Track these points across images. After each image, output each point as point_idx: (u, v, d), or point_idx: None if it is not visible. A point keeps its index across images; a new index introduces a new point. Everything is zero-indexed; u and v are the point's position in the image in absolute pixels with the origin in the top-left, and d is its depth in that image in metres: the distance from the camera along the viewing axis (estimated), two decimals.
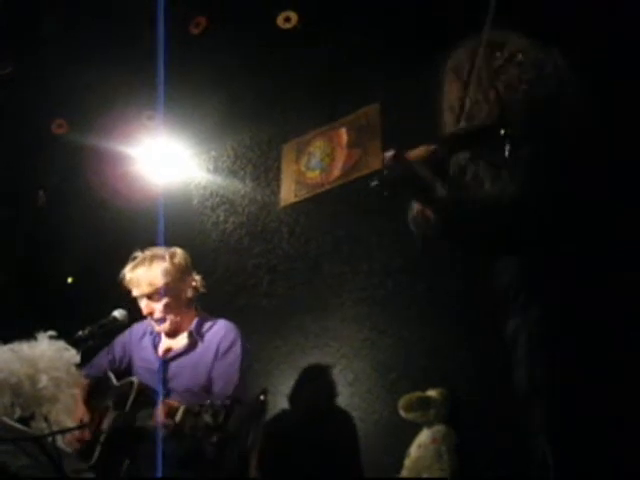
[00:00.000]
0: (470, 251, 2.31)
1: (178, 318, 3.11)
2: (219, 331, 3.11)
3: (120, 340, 3.27)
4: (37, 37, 4.37)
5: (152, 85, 3.75)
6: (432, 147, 2.01)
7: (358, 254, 3.69)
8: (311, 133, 4.10)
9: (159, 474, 2.57)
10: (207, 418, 2.38)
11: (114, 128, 4.46)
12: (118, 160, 4.46)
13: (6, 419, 2.31)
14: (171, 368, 3.09)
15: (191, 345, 3.09)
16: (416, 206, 2.14)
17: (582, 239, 1.93)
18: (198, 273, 3.20)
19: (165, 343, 3.19)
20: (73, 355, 2.70)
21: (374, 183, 2.05)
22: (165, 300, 3.07)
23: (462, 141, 2.03)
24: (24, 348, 2.62)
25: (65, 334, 2.81)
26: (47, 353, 2.62)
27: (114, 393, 2.93)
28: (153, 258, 3.11)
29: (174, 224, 3.77)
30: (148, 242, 3.27)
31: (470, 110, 2.07)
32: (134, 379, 2.94)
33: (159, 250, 3.16)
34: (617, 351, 1.88)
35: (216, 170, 4.49)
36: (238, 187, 4.35)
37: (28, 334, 2.69)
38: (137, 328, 3.24)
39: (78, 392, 2.71)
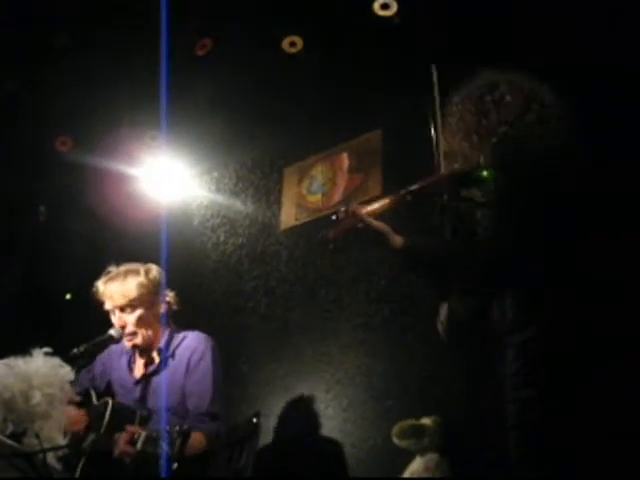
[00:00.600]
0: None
1: (150, 333, 3.08)
2: (189, 344, 3.08)
3: (100, 359, 3.25)
4: (43, 53, 4.39)
5: (156, 105, 3.77)
6: (388, 200, 2.09)
7: (356, 280, 3.70)
8: (313, 157, 4.12)
9: None
10: (164, 446, 2.36)
11: (117, 147, 4.48)
12: (120, 179, 4.48)
13: None
14: (146, 387, 3.07)
15: (162, 363, 3.06)
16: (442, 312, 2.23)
17: (558, 276, 1.95)
18: (197, 294, 3.21)
19: (139, 363, 3.16)
20: (68, 372, 2.68)
21: (322, 234, 2.17)
22: (138, 313, 3.05)
23: (454, 182, 2.08)
24: (19, 364, 2.60)
25: (61, 351, 2.80)
26: (42, 370, 2.60)
27: (93, 413, 2.91)
28: (128, 272, 3.11)
29: (174, 244, 3.79)
30: (149, 261, 3.28)
31: (451, 156, 2.13)
32: (109, 399, 2.93)
33: (134, 265, 3.16)
34: (602, 386, 1.89)
35: (218, 191, 4.51)
36: (239, 209, 4.37)
37: (24, 350, 2.68)
38: (116, 348, 3.20)
39: (71, 409, 2.69)
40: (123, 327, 3.05)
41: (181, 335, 3.13)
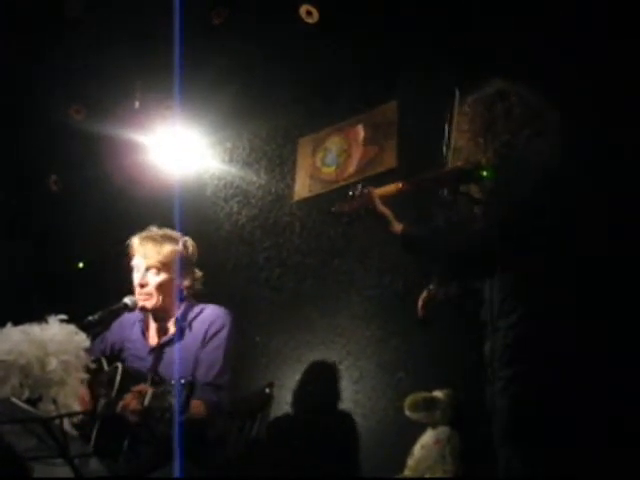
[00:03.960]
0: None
1: (165, 301, 3.06)
2: (207, 317, 3.08)
3: (113, 328, 3.25)
4: (58, 22, 4.37)
5: (170, 75, 3.75)
6: (400, 185, 2.37)
7: (369, 252, 3.69)
8: (328, 128, 4.09)
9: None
10: (170, 399, 2.38)
11: (131, 117, 4.47)
12: (134, 149, 4.47)
13: (15, 400, 2.32)
14: (160, 357, 3.06)
15: (178, 333, 3.06)
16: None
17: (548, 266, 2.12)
18: (209, 264, 3.21)
19: (153, 331, 3.17)
20: (83, 339, 2.70)
21: (337, 207, 2.46)
22: (162, 277, 3.04)
23: (456, 178, 2.31)
24: (35, 330, 2.62)
25: (76, 318, 2.82)
26: (57, 336, 2.62)
27: (104, 379, 2.92)
28: (166, 237, 3.12)
29: (187, 214, 3.76)
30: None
31: (458, 152, 2.35)
32: (119, 364, 2.94)
33: (174, 233, 3.17)
34: (594, 371, 1.98)
35: (231, 161, 4.49)
36: (252, 179, 4.35)
37: (39, 317, 2.70)
38: (128, 317, 3.21)
39: (86, 376, 2.71)
40: (142, 286, 3.05)
41: (199, 307, 3.13)
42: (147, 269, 3.06)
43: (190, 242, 3.17)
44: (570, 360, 1.98)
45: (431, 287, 2.58)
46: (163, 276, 3.06)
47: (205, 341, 3.01)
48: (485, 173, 2.24)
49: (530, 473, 1.98)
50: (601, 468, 2.05)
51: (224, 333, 3.03)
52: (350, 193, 2.42)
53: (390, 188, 2.41)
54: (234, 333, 3.08)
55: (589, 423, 1.96)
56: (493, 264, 2.17)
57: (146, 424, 2.55)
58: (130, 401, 2.61)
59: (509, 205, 2.14)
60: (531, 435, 1.99)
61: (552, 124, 2.30)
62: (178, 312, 3.09)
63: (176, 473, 2.51)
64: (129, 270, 3.11)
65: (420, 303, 2.59)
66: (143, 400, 2.51)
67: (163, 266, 3.06)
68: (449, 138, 2.35)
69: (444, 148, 2.36)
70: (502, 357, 2.14)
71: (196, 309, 3.12)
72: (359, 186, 2.42)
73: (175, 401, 2.35)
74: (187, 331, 3.05)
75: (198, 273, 3.21)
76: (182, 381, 2.39)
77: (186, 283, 3.13)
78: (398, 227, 2.33)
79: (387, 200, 2.37)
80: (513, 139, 2.25)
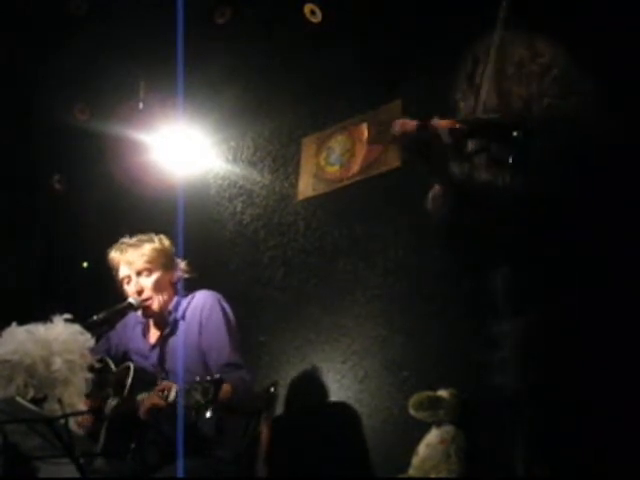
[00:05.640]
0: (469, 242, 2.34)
1: (165, 298, 3.12)
2: (197, 303, 3.13)
3: (118, 328, 3.27)
4: (62, 22, 4.37)
5: (174, 73, 3.75)
6: (456, 123, 2.14)
7: (374, 251, 3.68)
8: (332, 128, 4.09)
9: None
10: (197, 396, 2.40)
11: (134, 116, 4.47)
12: (137, 148, 4.47)
13: (20, 399, 2.33)
14: (162, 352, 3.11)
15: (174, 325, 3.11)
16: (436, 186, 2.21)
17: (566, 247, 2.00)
18: (213, 263, 3.23)
19: (153, 329, 3.21)
20: (87, 339, 2.71)
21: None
22: (154, 276, 3.11)
23: (481, 128, 2.13)
24: (40, 330, 2.63)
25: (80, 318, 2.83)
26: (62, 336, 2.63)
27: (113, 379, 2.96)
28: (141, 240, 3.19)
29: (191, 214, 3.79)
30: (166, 230, 3.30)
31: (488, 100, 2.16)
32: (130, 364, 2.98)
33: (146, 235, 3.22)
34: (604, 356, 1.91)
35: (235, 161, 4.49)
36: (256, 179, 4.35)
37: (44, 317, 2.70)
38: (130, 319, 3.25)
39: (90, 376, 2.72)
40: (140, 292, 3.08)
41: (189, 297, 3.18)
42: (137, 274, 3.10)
43: (163, 237, 3.23)
44: (581, 357, 1.92)
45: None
46: (155, 275, 3.12)
47: (202, 326, 3.05)
48: (516, 133, 2.04)
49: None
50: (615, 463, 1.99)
51: (218, 313, 3.08)
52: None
53: (446, 123, 2.16)
54: (227, 309, 3.12)
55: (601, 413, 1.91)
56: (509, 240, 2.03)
57: (155, 424, 2.57)
58: (153, 397, 2.63)
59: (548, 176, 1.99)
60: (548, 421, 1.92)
61: (586, 86, 2.13)
62: (170, 305, 3.12)
63: (179, 473, 2.53)
64: (119, 285, 3.16)
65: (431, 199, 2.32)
66: (167, 396, 2.54)
67: (151, 266, 3.12)
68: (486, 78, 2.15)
69: (478, 78, 2.17)
70: (511, 350, 2.06)
71: (187, 299, 3.17)
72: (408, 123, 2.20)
73: (200, 397, 2.37)
74: (181, 322, 3.09)
75: (182, 263, 3.24)
76: (209, 378, 2.42)
77: (176, 275, 3.18)
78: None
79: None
80: (563, 102, 2.07)
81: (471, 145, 2.17)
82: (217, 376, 2.47)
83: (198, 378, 2.46)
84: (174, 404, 2.51)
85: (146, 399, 2.68)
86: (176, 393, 2.52)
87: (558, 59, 2.15)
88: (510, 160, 2.07)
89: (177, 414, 2.45)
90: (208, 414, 2.41)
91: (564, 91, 2.09)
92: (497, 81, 2.16)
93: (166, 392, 2.58)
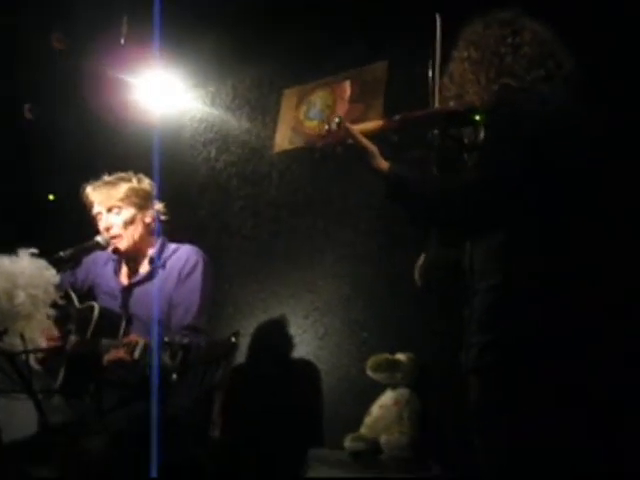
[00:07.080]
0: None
1: (135, 238, 3.08)
2: (181, 256, 3.09)
3: (84, 264, 3.24)
4: None
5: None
6: (381, 123, 2.13)
7: (346, 210, 3.68)
8: (314, 82, 4.03)
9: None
10: (165, 358, 2.38)
11: (112, 52, 4.35)
12: (116, 84, 4.36)
13: None
14: (133, 295, 3.08)
15: (152, 271, 3.07)
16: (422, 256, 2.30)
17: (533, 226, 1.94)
18: (184, 207, 3.19)
19: (126, 270, 3.17)
20: (53, 275, 2.68)
21: (309, 141, 2.14)
22: (125, 215, 3.06)
23: (445, 119, 2.07)
24: (5, 262, 2.59)
25: (46, 253, 2.78)
26: (27, 270, 2.59)
27: (75, 317, 2.92)
28: (119, 178, 3.14)
29: (164, 155, 3.71)
30: (139, 169, 3.25)
31: (457, 88, 2.10)
32: (95, 304, 2.93)
33: (126, 174, 3.17)
34: (568, 320, 1.89)
35: (213, 106, 4.42)
36: (233, 126, 4.30)
37: (9, 249, 2.66)
38: (101, 255, 3.21)
39: (53, 312, 2.69)
40: (108, 229, 3.05)
41: (173, 246, 3.14)
42: (108, 211, 3.06)
43: (144, 177, 3.18)
44: (547, 331, 1.89)
45: (429, 252, 2.30)
46: (126, 214, 3.07)
47: (180, 280, 3.02)
48: (478, 117, 2.00)
49: (497, 447, 1.92)
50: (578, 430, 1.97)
51: (198, 274, 3.04)
52: (326, 127, 2.16)
53: (370, 125, 2.16)
54: (209, 275, 3.08)
55: (565, 393, 1.89)
56: (484, 221, 1.95)
57: (116, 371, 2.56)
58: (120, 351, 2.60)
59: (498, 159, 1.90)
60: (501, 406, 1.92)
61: (565, 70, 2.04)
62: (153, 250, 3.09)
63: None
64: (94, 222, 3.11)
65: (418, 271, 2.34)
66: (133, 351, 2.51)
67: (123, 204, 3.07)
68: (433, 70, 2.13)
69: (430, 86, 2.12)
70: (476, 323, 1.97)
71: (171, 247, 3.13)
72: (335, 119, 2.14)
73: (168, 360, 2.34)
74: (161, 269, 3.05)
75: (159, 205, 3.20)
76: (177, 340, 2.39)
77: (149, 217, 3.14)
78: (384, 164, 2.04)
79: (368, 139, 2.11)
80: (516, 82, 1.99)
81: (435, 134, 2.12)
82: (186, 340, 2.44)
83: (167, 339, 2.42)
84: (139, 360, 2.48)
85: (112, 352, 2.64)
86: (142, 350, 2.49)
87: (533, 38, 2.05)
88: (466, 141, 2.07)
89: (140, 367, 2.43)
90: (174, 376, 2.38)
91: (528, 68, 2.01)
92: (456, 68, 2.12)
93: (133, 347, 2.55)
